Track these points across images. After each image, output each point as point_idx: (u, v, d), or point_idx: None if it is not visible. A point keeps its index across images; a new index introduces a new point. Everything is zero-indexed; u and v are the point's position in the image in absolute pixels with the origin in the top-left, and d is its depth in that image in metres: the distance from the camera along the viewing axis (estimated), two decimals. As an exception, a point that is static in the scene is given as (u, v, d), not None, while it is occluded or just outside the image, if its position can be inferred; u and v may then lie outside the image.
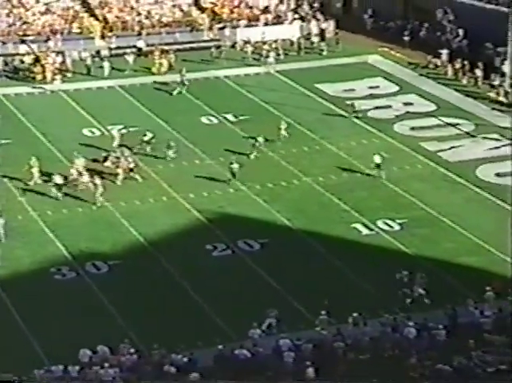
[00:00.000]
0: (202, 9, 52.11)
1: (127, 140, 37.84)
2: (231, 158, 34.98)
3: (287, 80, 45.52)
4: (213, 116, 41.16)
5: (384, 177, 34.37)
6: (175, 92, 43.18)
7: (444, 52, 46.26)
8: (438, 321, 25.01)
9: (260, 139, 36.83)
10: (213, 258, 29.70)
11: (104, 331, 25.29)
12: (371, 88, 44.29)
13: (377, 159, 34.81)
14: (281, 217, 32.15)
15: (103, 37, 49.30)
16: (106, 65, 45.87)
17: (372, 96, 43.23)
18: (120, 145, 36.53)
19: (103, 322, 25.99)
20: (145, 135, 36.92)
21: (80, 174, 33.64)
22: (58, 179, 33.10)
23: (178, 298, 27.45)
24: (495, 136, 38.77)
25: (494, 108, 41.72)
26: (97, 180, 33.05)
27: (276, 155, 36.94)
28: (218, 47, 48.41)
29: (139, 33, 49.11)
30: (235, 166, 34.13)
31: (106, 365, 23.11)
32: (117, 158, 35.18)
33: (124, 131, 39.09)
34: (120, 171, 34.23)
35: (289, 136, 38.14)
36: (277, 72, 46.27)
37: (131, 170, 34.56)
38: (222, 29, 50.36)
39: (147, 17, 50.68)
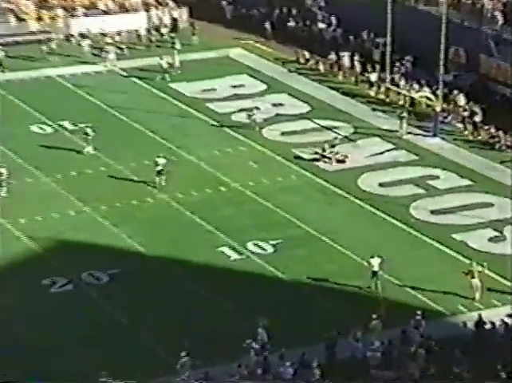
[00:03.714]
0: (27, -5, 51.55)
1: None
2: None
3: (135, 79, 45.62)
4: (46, 124, 40.72)
5: (163, 184, 34.93)
6: (157, 78, 44.28)
7: (346, 54, 45.90)
8: (317, 356, 25.59)
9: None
10: (51, 295, 29.39)
11: None
12: (234, 87, 45.13)
13: (160, 161, 35.35)
14: (133, 242, 32.20)
15: None
16: None
17: (235, 97, 44.03)
18: None
19: None
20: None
21: None
22: None
23: (9, 341, 26.94)
24: (377, 139, 40.38)
25: (374, 109, 43.28)
26: None
27: (124, 168, 36.96)
28: (48, 40, 47.96)
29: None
30: None
31: None
32: None
33: None
34: None
35: (140, 146, 38.25)
36: (122, 69, 46.27)
37: None
38: (53, 18, 49.91)
39: (-41, 5, 49.69)
